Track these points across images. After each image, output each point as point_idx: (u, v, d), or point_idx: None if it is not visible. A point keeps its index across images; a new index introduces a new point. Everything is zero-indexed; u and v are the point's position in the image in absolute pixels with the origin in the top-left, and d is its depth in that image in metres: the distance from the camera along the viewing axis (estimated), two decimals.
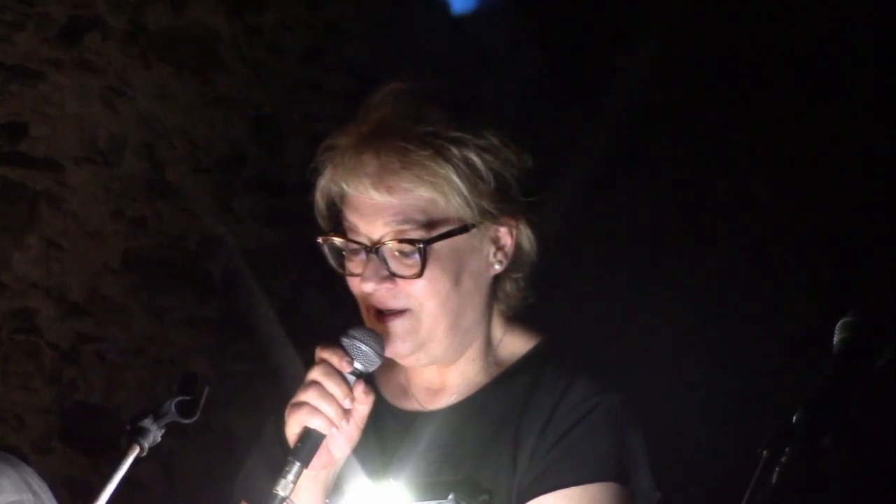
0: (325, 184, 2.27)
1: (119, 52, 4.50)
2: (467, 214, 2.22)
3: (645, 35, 4.30)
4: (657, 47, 4.29)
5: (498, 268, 2.29)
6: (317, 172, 2.28)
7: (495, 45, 4.61)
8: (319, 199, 2.29)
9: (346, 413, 2.19)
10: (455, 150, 2.20)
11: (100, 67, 4.49)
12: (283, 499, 2.13)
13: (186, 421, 2.21)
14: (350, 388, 2.19)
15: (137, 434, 2.16)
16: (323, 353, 2.20)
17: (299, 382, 2.23)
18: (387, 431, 2.29)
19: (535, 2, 4.70)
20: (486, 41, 4.61)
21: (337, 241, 2.26)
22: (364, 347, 2.21)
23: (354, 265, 2.25)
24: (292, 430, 2.18)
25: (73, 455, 4.45)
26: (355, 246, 2.24)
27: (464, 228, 2.22)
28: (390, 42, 4.53)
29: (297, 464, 2.15)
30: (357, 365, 2.20)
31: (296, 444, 2.17)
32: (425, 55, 4.39)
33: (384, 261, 2.21)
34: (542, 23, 4.68)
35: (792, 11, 4.57)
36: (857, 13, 4.46)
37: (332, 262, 2.28)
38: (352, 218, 2.24)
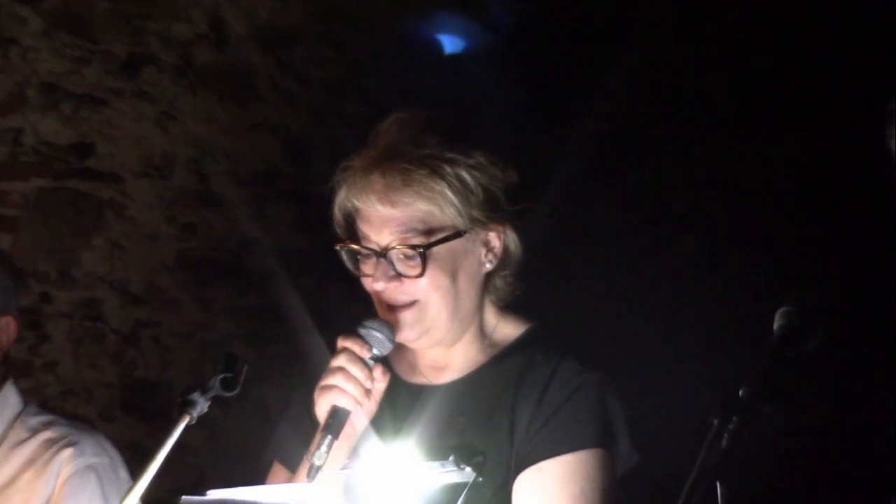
0: (341, 200, 2.26)
1: (171, 83, 4.51)
2: (460, 222, 2.21)
3: (614, 71, 4.30)
4: (624, 82, 4.30)
5: (489, 266, 2.28)
6: (334, 190, 2.28)
7: (486, 80, 4.63)
8: (337, 212, 2.28)
9: (368, 392, 2.19)
10: (449, 169, 2.20)
11: (155, 96, 4.49)
12: (319, 468, 2.13)
13: (228, 394, 2.20)
14: (370, 370, 2.18)
15: (187, 405, 2.15)
16: (345, 343, 2.20)
17: (324, 362, 2.23)
18: (398, 401, 2.28)
19: (519, 44, 4.72)
20: (479, 77, 4.63)
21: (352, 247, 2.26)
22: (378, 335, 2.20)
23: (367, 267, 2.24)
24: (322, 408, 2.17)
25: (133, 423, 4.45)
26: (367, 251, 2.23)
27: (457, 234, 2.21)
28: (400, 76, 4.53)
29: (329, 437, 2.14)
30: (374, 350, 2.20)
31: (326, 421, 2.15)
32: (428, 87, 4.40)
33: (391, 263, 2.21)
34: (526, 61, 4.69)
35: (737, 54, 4.59)
36: (790, 59, 4.49)
37: (348, 265, 2.27)
38: (363, 228, 2.24)
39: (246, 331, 4.59)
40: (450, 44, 4.66)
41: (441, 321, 2.25)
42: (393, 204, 2.19)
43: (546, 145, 4.24)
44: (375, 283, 2.23)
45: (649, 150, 4.64)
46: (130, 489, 2.09)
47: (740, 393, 1.74)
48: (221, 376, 2.18)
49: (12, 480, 2.58)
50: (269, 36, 4.64)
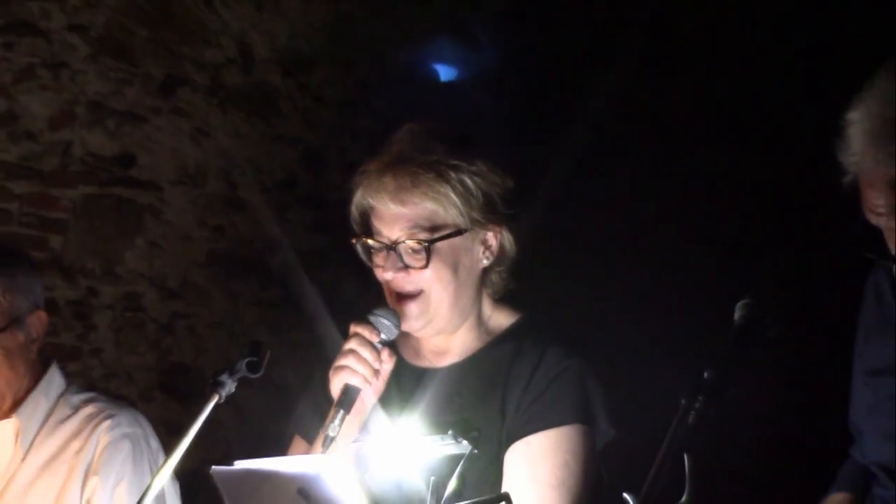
0: (358, 199, 2.27)
1: (203, 101, 4.51)
2: (461, 222, 2.21)
3: (595, 90, 4.30)
4: (604, 100, 4.30)
5: (486, 262, 2.28)
6: (352, 191, 2.28)
7: (482, 98, 4.63)
8: (354, 209, 2.29)
9: (376, 372, 2.19)
10: (453, 174, 2.20)
11: (189, 113, 4.49)
12: (333, 438, 2.13)
13: (253, 376, 2.19)
14: (378, 353, 2.19)
15: (217, 386, 2.15)
16: (356, 328, 2.20)
17: (338, 348, 2.23)
18: (404, 382, 2.28)
19: (510, 69, 4.72)
20: (475, 96, 4.63)
21: (366, 241, 2.26)
22: (386, 321, 2.21)
23: (379, 259, 2.25)
24: (336, 386, 2.18)
25: (170, 402, 4.45)
26: (379, 245, 2.24)
27: (458, 232, 2.22)
28: (405, 96, 4.53)
29: (342, 412, 2.14)
30: (382, 335, 2.20)
31: (339, 398, 2.16)
32: (429, 106, 4.40)
33: (400, 256, 2.22)
34: (516, 83, 4.70)
35: (702, 74, 4.60)
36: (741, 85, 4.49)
37: (362, 256, 2.28)
38: (376, 224, 2.24)
39: (269, 320, 4.59)
40: (445, 72, 4.70)
41: (442, 310, 2.25)
42: (403, 203, 2.20)
43: (535, 156, 4.24)
44: (385, 272, 2.23)
45: (628, 159, 4.64)
46: (166, 460, 2.09)
47: (705, 376, 1.74)
48: (247, 360, 2.18)
49: (58, 453, 2.58)
50: (289, 61, 4.64)
